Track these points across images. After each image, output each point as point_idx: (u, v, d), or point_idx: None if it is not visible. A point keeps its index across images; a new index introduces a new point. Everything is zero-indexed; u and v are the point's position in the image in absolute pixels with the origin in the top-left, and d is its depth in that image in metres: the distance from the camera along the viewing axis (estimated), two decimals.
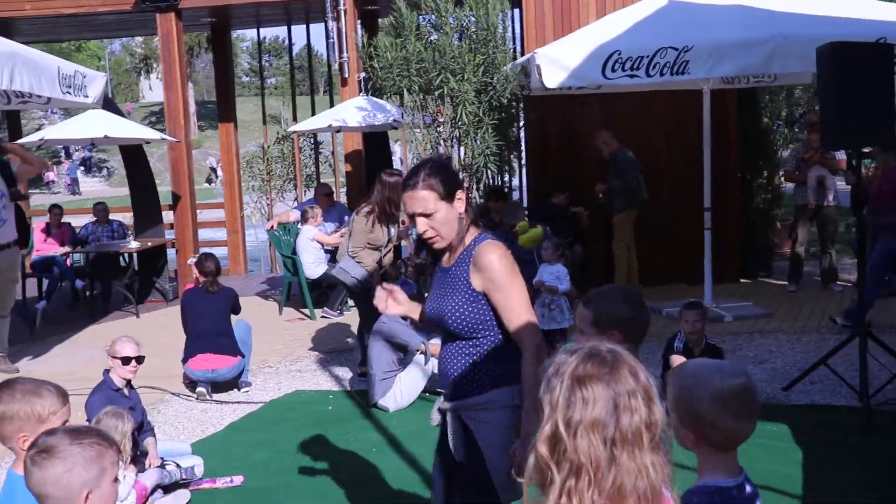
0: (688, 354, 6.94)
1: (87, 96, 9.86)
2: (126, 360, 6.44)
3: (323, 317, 11.73)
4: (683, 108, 12.00)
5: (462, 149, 10.04)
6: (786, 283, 12.01)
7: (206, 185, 47.36)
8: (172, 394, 8.60)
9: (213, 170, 48.85)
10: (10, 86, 8.58)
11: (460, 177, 4.17)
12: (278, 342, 10.55)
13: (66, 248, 13.71)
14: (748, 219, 12.89)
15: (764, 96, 13.89)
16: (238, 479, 6.35)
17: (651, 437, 2.07)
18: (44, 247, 13.74)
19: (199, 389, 8.47)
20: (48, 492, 2.58)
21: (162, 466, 6.21)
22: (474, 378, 3.62)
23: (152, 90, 77.64)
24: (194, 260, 9.17)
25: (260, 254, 17.88)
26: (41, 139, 13.60)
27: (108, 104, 13.14)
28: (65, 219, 14.30)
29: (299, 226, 12.06)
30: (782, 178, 13.18)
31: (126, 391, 6.53)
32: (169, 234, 14.38)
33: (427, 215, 3.61)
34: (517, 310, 3.57)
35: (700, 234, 10.67)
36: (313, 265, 11.62)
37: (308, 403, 8.22)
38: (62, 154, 52.60)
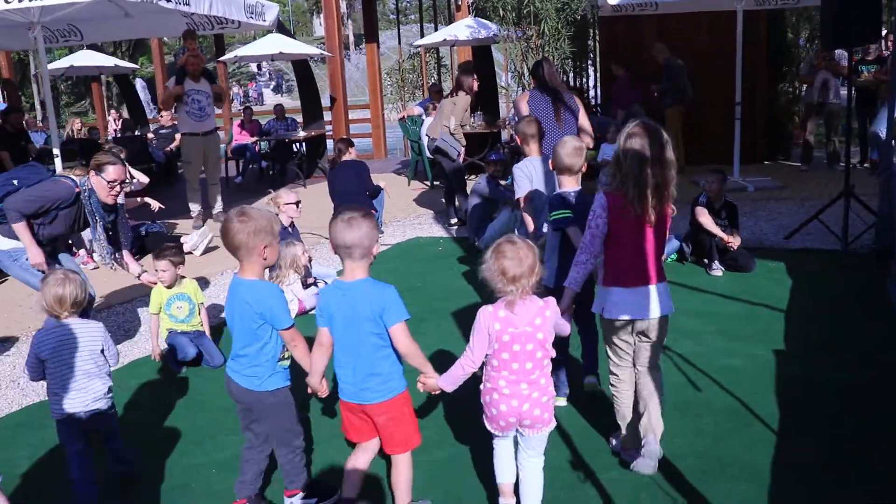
0: (709, 208, 6.94)
1: (264, 20, 10.09)
2: (297, 204, 6.77)
3: (438, 186, 11.96)
4: (723, 27, 11.55)
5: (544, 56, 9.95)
6: (799, 164, 11.69)
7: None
8: (324, 238, 8.98)
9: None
10: (209, 11, 8.87)
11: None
12: (405, 204, 10.84)
13: (255, 138, 14.26)
14: (772, 114, 12.46)
15: (791, 18, 13.21)
16: None
17: (662, 164, 3.34)
18: (239, 137, 14.35)
19: None
20: (361, 242, 3.07)
21: (315, 284, 6.60)
22: None
23: (321, 26, 77.71)
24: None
25: (397, 144, 18.14)
26: (235, 56, 13.99)
27: (283, 30, 13.37)
28: (255, 117, 14.85)
29: (423, 117, 12.20)
30: (798, 82, 12.69)
31: (290, 230, 6.92)
32: (328, 129, 14.72)
33: None
34: None
35: (733, 125, 10.41)
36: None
37: (424, 246, 8.51)
38: (256, 73, 53.11)
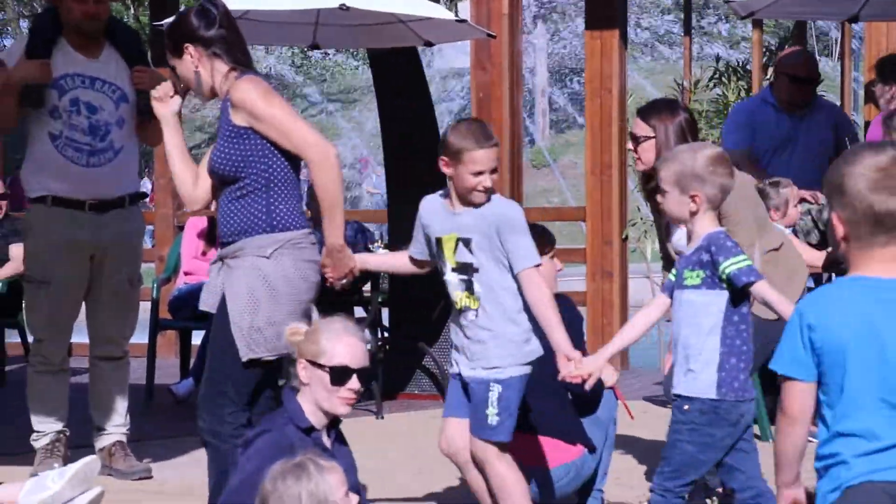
0: None
1: None
2: (344, 375, 2.96)
3: None
4: None
5: None
6: None
7: None
8: None
9: None
10: None
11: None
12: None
13: None
14: None
15: None
16: None
17: None
18: (199, 266, 7.17)
19: None
20: None
21: None
22: (230, 225, 3.48)
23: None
24: None
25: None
26: (244, 10, 7.60)
27: None
28: None
29: None
30: None
31: (325, 437, 2.97)
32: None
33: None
34: (290, 127, 3.46)
35: None
36: None
37: None
38: None
